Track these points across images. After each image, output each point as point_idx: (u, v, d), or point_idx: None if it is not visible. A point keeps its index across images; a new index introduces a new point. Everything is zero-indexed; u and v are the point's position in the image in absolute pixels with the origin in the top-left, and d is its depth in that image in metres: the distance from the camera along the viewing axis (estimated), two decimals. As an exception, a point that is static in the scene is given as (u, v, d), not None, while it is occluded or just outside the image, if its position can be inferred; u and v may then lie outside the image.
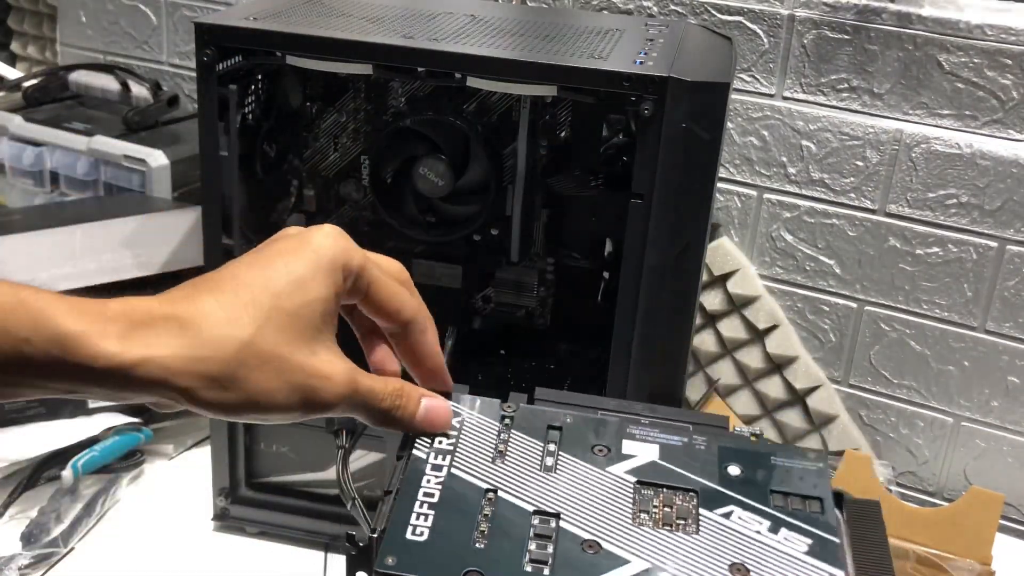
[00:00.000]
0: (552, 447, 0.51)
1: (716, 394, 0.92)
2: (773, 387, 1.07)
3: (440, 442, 0.51)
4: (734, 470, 0.51)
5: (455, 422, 0.53)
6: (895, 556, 0.81)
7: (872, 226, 1.01)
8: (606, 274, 0.90)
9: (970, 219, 0.97)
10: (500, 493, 0.48)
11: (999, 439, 1.02)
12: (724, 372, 1.09)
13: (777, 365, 1.07)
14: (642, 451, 0.52)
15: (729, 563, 0.44)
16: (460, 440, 0.52)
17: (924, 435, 1.05)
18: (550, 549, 0.45)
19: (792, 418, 1.07)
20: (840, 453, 1.01)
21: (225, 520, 0.89)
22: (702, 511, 0.48)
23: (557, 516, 0.47)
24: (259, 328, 0.44)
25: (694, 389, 1.09)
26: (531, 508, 0.47)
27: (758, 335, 1.07)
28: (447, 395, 0.53)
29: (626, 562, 0.44)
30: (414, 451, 0.50)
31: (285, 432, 0.86)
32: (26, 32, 1.46)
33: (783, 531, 0.47)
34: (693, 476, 0.50)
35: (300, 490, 0.88)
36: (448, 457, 0.50)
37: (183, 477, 0.97)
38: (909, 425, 1.05)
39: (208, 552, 0.88)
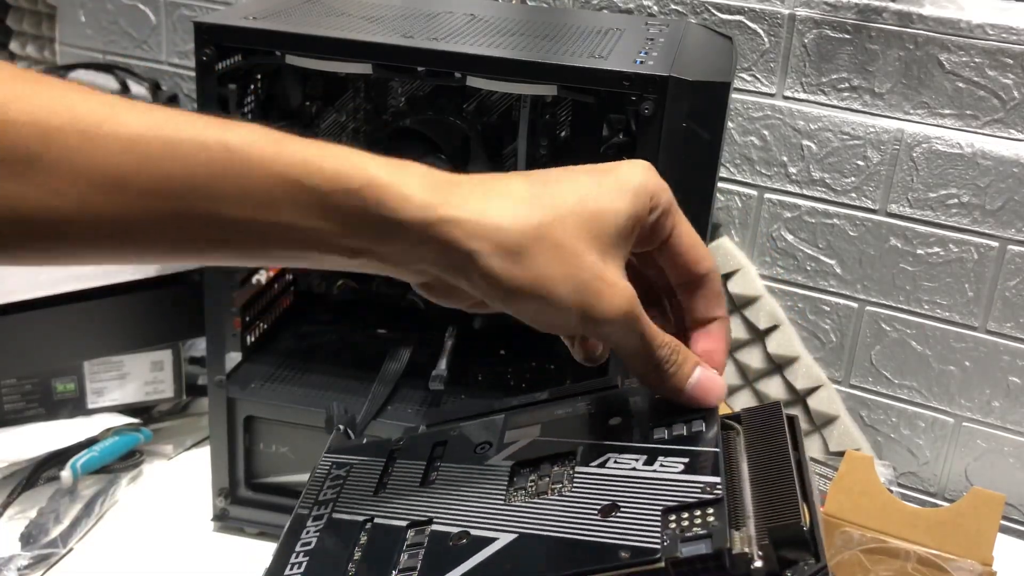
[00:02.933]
0: (436, 463, 0.50)
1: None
2: (774, 387, 1.07)
3: (325, 493, 0.50)
4: (615, 420, 0.49)
5: (341, 472, 0.51)
6: (895, 556, 0.81)
7: (873, 226, 1.01)
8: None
9: (971, 219, 0.97)
10: (376, 520, 0.47)
11: (1000, 439, 1.02)
12: (725, 372, 1.09)
13: (778, 365, 1.07)
14: (523, 436, 0.50)
15: (599, 508, 0.42)
16: (344, 485, 0.51)
17: (925, 435, 1.05)
18: (420, 555, 0.44)
19: (793, 418, 1.07)
20: (841, 453, 1.01)
21: (225, 520, 0.89)
22: (578, 469, 0.46)
23: (429, 522, 0.45)
24: (559, 216, 0.43)
25: (694, 389, 1.08)
26: (405, 523, 0.46)
27: (758, 335, 1.07)
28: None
29: (492, 540, 0.43)
30: (297, 510, 0.50)
31: (285, 432, 0.86)
32: (25, 31, 1.45)
33: (659, 460, 0.44)
34: (571, 440, 0.48)
35: (300, 490, 0.88)
36: (329, 505, 0.49)
37: (182, 477, 0.97)
38: (910, 425, 1.05)
39: (207, 552, 0.88)
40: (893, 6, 0.96)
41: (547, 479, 0.46)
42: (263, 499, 0.88)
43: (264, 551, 0.88)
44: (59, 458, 0.92)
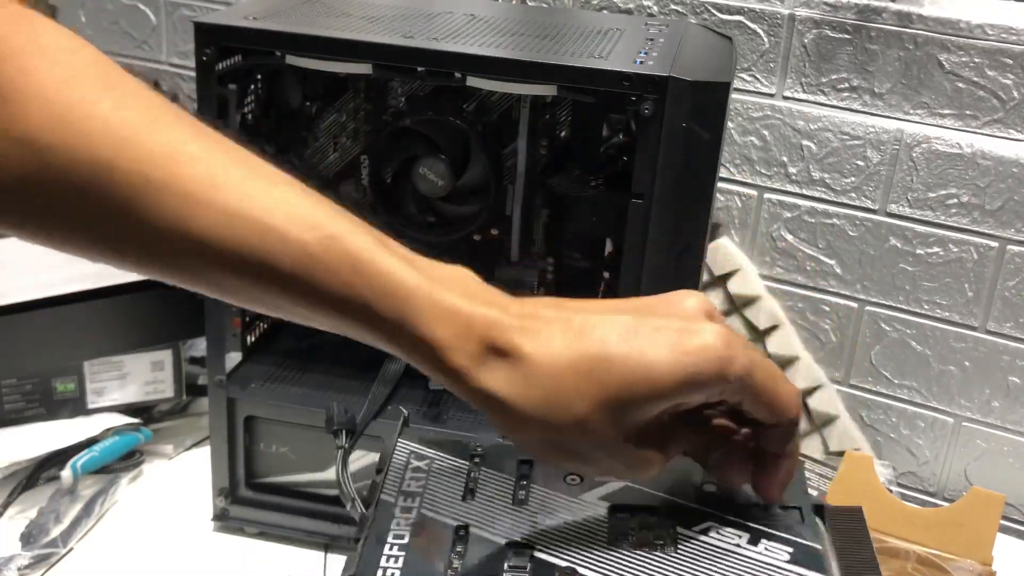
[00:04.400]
0: (524, 481, 0.51)
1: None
2: (773, 387, 1.07)
3: (408, 484, 0.50)
4: (710, 487, 0.50)
5: (422, 464, 0.52)
6: (895, 556, 0.81)
7: (873, 226, 1.01)
8: (606, 274, 0.90)
9: (971, 219, 0.97)
10: (472, 529, 0.47)
11: (1000, 439, 1.02)
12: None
13: (778, 365, 1.07)
14: None
15: None
16: (429, 481, 0.51)
17: (925, 435, 1.05)
18: None
19: (792, 418, 1.07)
20: (841, 453, 1.01)
21: (225, 520, 0.89)
22: (680, 529, 0.47)
23: (531, 546, 0.46)
24: (598, 405, 0.43)
25: (694, 389, 1.08)
26: (503, 541, 0.46)
27: (759, 335, 1.07)
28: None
29: None
30: (382, 496, 0.49)
31: (285, 432, 0.86)
32: (26, 32, 1.45)
33: (763, 542, 0.46)
34: (668, 495, 0.49)
35: (300, 490, 0.88)
36: (417, 499, 0.49)
37: (183, 477, 0.97)
38: (910, 425, 1.05)
39: (208, 552, 0.88)
40: (893, 6, 0.96)
41: (647, 532, 0.47)
42: (263, 499, 0.88)
43: (264, 551, 0.88)
44: (59, 458, 0.92)
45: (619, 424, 0.43)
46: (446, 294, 0.44)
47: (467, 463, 0.52)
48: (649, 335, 0.44)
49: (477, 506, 0.49)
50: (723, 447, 0.48)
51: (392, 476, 0.51)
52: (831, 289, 1.05)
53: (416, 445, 0.54)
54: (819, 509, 0.50)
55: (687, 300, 0.46)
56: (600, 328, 0.44)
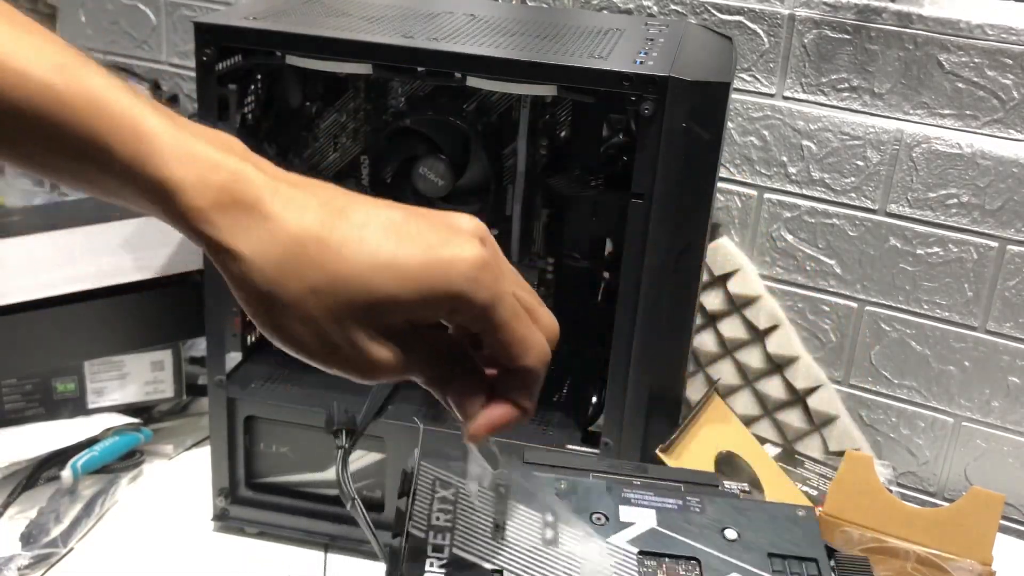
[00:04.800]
0: (550, 517, 0.51)
1: (716, 394, 0.92)
2: (773, 387, 1.07)
3: (436, 517, 0.50)
4: (731, 534, 0.51)
5: (448, 494, 0.52)
6: (895, 556, 0.81)
7: (873, 226, 1.01)
8: (606, 274, 0.90)
9: (971, 219, 0.97)
10: (506, 574, 0.48)
11: (1000, 439, 1.02)
12: (724, 372, 1.09)
13: (777, 365, 1.07)
14: (640, 518, 0.52)
15: None
16: (457, 514, 0.51)
17: (925, 435, 1.05)
18: None
19: (792, 418, 1.07)
20: (840, 453, 1.01)
21: (225, 520, 0.89)
22: None
23: None
24: (320, 287, 0.41)
25: (694, 389, 1.08)
26: None
27: (758, 335, 1.07)
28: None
29: None
30: (411, 530, 0.49)
31: (285, 432, 0.86)
32: (26, 32, 1.45)
33: None
34: (693, 543, 0.50)
35: (300, 490, 0.88)
36: (447, 536, 0.49)
37: (183, 477, 0.97)
38: (910, 425, 1.05)
39: (208, 552, 0.88)
40: (893, 6, 0.96)
41: None
42: (263, 499, 0.88)
43: (264, 551, 0.88)
44: (59, 458, 0.92)
45: (342, 314, 0.42)
46: (193, 140, 0.42)
47: (492, 493, 0.52)
48: (408, 235, 0.42)
49: (508, 546, 0.49)
50: (464, 378, 0.46)
51: (419, 507, 0.51)
52: (831, 289, 1.05)
53: (438, 471, 0.53)
54: (830, 551, 0.51)
55: (464, 219, 0.45)
56: (362, 215, 0.43)
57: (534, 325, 0.46)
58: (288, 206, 0.42)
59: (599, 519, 0.51)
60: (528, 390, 0.46)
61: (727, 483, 0.56)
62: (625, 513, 0.52)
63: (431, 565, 0.48)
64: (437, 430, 0.82)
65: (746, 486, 0.55)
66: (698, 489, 0.54)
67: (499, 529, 0.50)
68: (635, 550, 0.49)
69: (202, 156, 0.41)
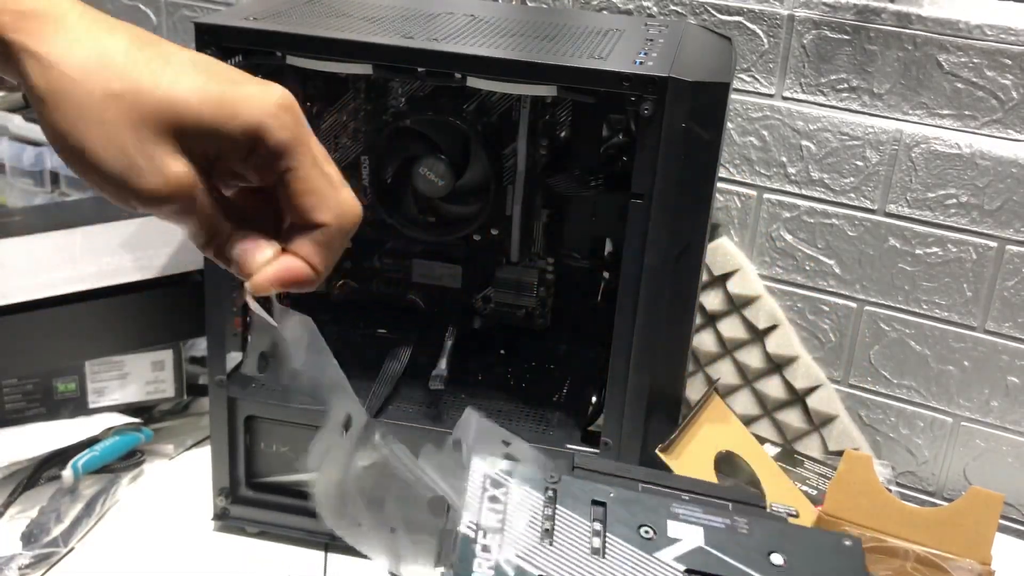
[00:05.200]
0: (598, 526, 0.51)
1: (716, 394, 0.92)
2: (773, 387, 1.07)
3: (486, 517, 0.50)
4: (777, 559, 0.51)
5: (498, 493, 0.51)
6: (894, 556, 0.81)
7: (872, 226, 1.01)
8: (606, 274, 0.90)
9: (970, 219, 0.97)
10: None
11: (999, 439, 1.02)
12: (724, 372, 1.09)
13: (777, 365, 1.07)
14: (687, 534, 0.51)
15: None
16: (507, 515, 0.50)
17: (924, 435, 1.05)
18: None
19: (792, 418, 1.07)
20: (840, 453, 1.01)
21: (225, 520, 0.89)
22: None
23: None
24: (132, 90, 0.41)
25: (694, 389, 1.09)
26: None
27: (758, 335, 1.07)
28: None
29: None
30: (462, 529, 0.49)
31: (285, 432, 0.86)
32: (26, 32, 1.45)
33: None
34: (739, 565, 0.50)
35: (300, 490, 0.88)
36: (496, 537, 0.49)
37: (183, 477, 0.97)
38: (909, 425, 1.05)
39: (208, 552, 0.88)
40: (892, 7, 0.96)
41: None
42: (264, 499, 0.89)
43: (265, 551, 0.88)
44: (60, 457, 0.92)
45: (142, 123, 0.41)
46: None
47: (541, 496, 0.52)
48: (216, 69, 0.43)
49: (556, 552, 0.49)
50: (249, 228, 0.45)
51: (471, 501, 0.51)
52: (830, 289, 1.05)
53: (491, 469, 0.53)
54: None
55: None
56: (172, 47, 0.43)
57: (336, 189, 0.45)
58: (96, 24, 0.42)
59: (647, 532, 0.51)
60: (321, 249, 0.45)
61: (775, 506, 0.55)
62: (673, 529, 0.52)
63: (479, 566, 0.47)
64: (437, 430, 0.82)
65: (794, 510, 0.55)
66: (746, 509, 0.54)
67: (547, 534, 0.50)
68: (682, 568, 0.49)
69: None
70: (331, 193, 0.44)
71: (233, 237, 0.45)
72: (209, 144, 0.43)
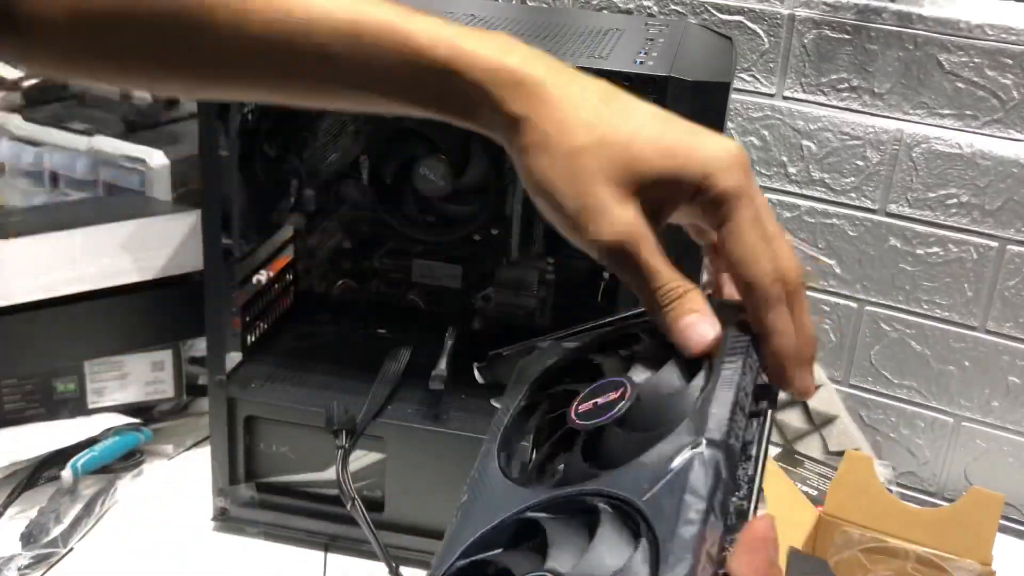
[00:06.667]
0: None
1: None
2: (773, 387, 1.07)
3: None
4: None
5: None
6: (895, 556, 0.81)
7: (872, 226, 1.01)
8: (606, 274, 0.90)
9: (970, 219, 0.97)
10: None
11: (999, 439, 1.02)
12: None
13: (777, 365, 1.07)
14: None
15: None
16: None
17: (924, 435, 1.05)
18: None
19: (792, 418, 1.07)
20: (841, 453, 1.01)
21: (224, 520, 0.89)
22: None
23: None
24: (599, 147, 0.46)
25: (694, 389, 1.08)
26: None
27: (758, 335, 1.07)
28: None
29: None
30: None
31: (285, 432, 0.86)
32: (26, 32, 1.45)
33: None
34: None
35: (300, 490, 0.88)
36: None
37: (183, 477, 0.97)
38: (909, 425, 1.05)
39: (208, 552, 0.88)
40: (893, 6, 0.96)
41: None
42: (263, 499, 0.88)
43: (264, 551, 0.88)
44: (60, 458, 0.92)
45: (600, 170, 0.46)
46: (487, 46, 0.48)
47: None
48: (674, 122, 0.48)
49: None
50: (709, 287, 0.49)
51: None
52: (831, 289, 1.05)
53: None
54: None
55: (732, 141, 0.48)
56: (633, 100, 0.48)
57: (771, 243, 0.46)
58: (571, 84, 0.47)
59: None
60: (764, 311, 0.46)
61: None
62: None
63: None
64: (437, 430, 0.82)
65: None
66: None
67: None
68: None
69: (497, 59, 0.47)
70: (765, 251, 0.46)
71: (684, 299, 0.46)
72: (661, 189, 0.46)
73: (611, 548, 0.38)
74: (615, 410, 0.43)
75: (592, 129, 0.46)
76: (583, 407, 0.45)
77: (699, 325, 0.46)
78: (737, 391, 0.43)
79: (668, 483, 0.39)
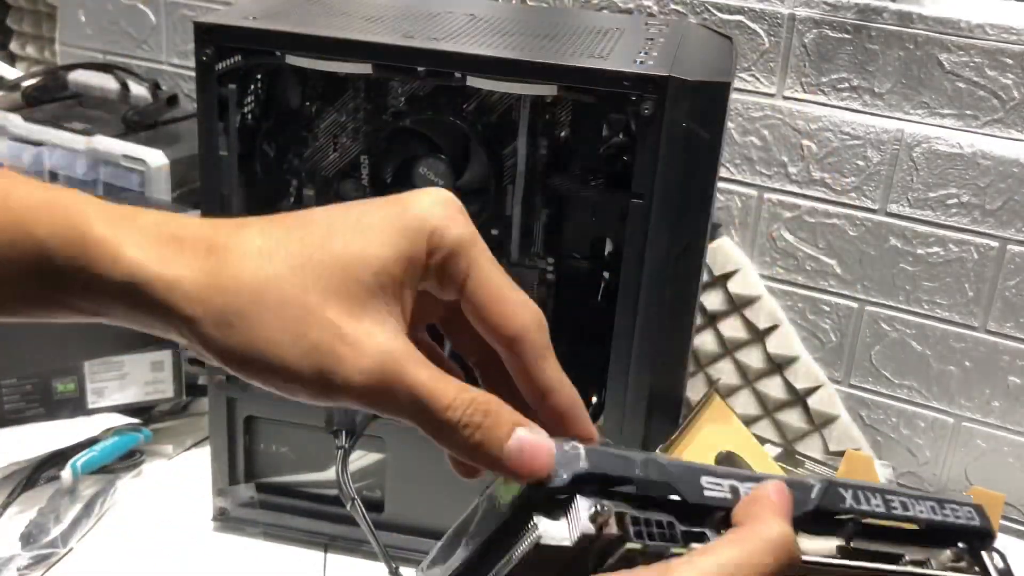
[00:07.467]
0: None
1: (716, 394, 0.92)
2: (773, 387, 1.07)
3: None
4: None
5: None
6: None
7: (873, 226, 1.01)
8: (606, 274, 0.90)
9: (971, 219, 0.97)
10: None
11: (1000, 439, 1.02)
12: (724, 372, 1.09)
13: (777, 365, 1.07)
14: None
15: None
16: None
17: (925, 435, 1.05)
18: None
19: (792, 418, 1.07)
20: (841, 454, 1.01)
21: (224, 520, 0.89)
22: None
23: None
24: (292, 268, 0.36)
25: (694, 389, 1.08)
26: None
27: (758, 335, 1.07)
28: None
29: None
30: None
31: (285, 432, 0.86)
32: (25, 32, 1.45)
33: None
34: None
35: (300, 490, 0.88)
36: None
37: (182, 477, 0.97)
38: (910, 425, 1.05)
39: (208, 552, 0.88)
40: (893, 6, 0.96)
41: None
42: (263, 499, 0.88)
43: (264, 551, 0.88)
44: (59, 458, 0.92)
45: (316, 287, 0.36)
46: (113, 211, 0.38)
47: None
48: (370, 207, 0.38)
49: None
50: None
51: None
52: (831, 289, 1.05)
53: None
54: None
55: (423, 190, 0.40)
56: (321, 213, 0.39)
57: (517, 288, 0.40)
58: (242, 231, 0.38)
59: None
60: (543, 362, 0.40)
61: None
62: None
63: None
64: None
65: None
66: None
67: None
68: None
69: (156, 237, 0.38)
70: (519, 296, 0.39)
71: (490, 413, 0.37)
72: (389, 276, 0.37)
73: None
74: None
75: (277, 260, 0.36)
76: None
77: (531, 441, 0.37)
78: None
79: None
